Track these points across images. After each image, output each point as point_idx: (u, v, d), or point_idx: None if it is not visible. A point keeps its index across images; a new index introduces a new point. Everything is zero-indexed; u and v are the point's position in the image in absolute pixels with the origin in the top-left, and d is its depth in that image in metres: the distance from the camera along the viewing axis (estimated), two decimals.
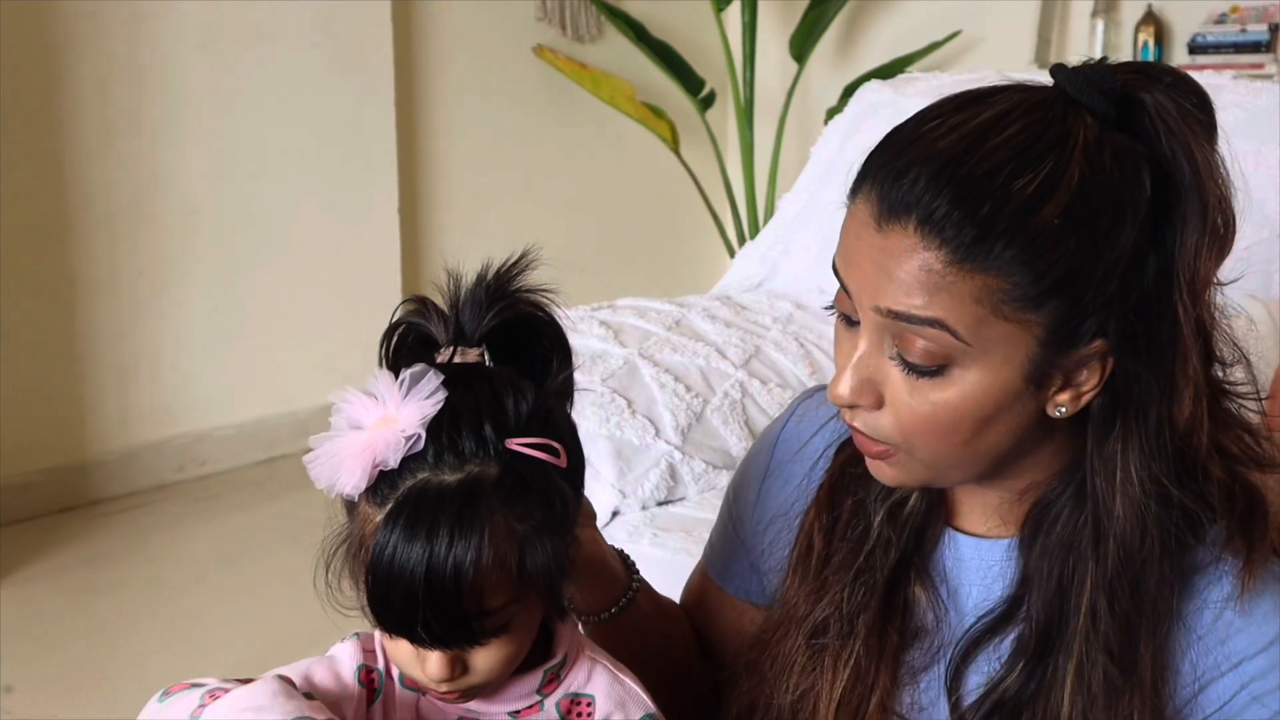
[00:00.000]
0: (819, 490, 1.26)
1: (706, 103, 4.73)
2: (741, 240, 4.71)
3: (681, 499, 2.05)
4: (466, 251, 4.79)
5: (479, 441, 1.00)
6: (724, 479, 2.09)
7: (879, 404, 1.07)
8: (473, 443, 1.00)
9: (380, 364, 1.07)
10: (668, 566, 1.86)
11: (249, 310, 4.09)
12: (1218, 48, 4.11)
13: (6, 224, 3.60)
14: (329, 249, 4.26)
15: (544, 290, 1.15)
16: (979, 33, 4.58)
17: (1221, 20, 4.16)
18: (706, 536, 1.85)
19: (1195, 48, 4.15)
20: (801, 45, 4.64)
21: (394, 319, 1.09)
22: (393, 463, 0.98)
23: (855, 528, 1.21)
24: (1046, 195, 1.00)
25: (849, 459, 1.23)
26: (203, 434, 4.02)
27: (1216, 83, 2.33)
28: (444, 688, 1.04)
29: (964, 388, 1.04)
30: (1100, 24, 4.39)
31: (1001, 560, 1.17)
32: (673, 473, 2.04)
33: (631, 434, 2.03)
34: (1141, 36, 4.29)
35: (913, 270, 1.01)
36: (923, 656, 1.19)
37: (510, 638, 1.03)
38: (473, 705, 1.09)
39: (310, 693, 1.06)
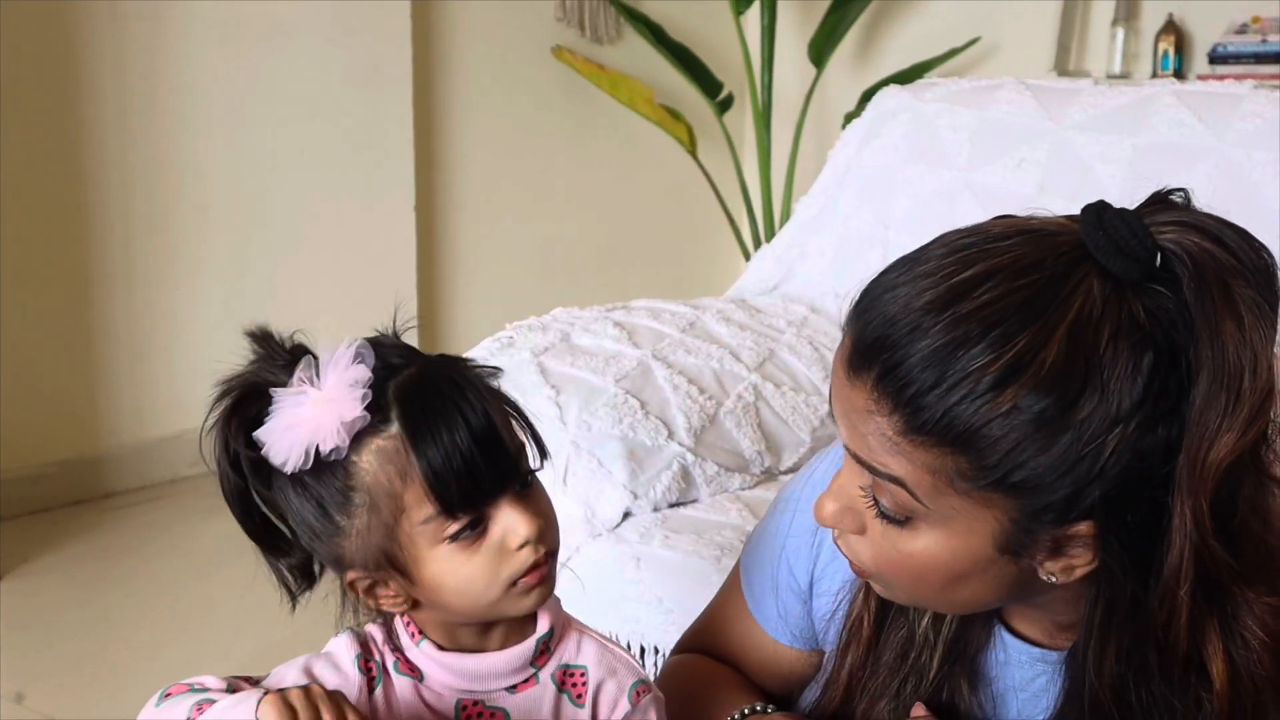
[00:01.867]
0: (862, 585, 1.21)
1: (724, 105, 4.72)
2: (757, 243, 4.71)
3: (694, 501, 2.05)
4: (482, 250, 4.81)
5: (404, 352, 1.09)
6: (736, 481, 2.09)
7: (860, 530, 1.05)
8: (398, 354, 1.08)
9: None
10: (679, 568, 1.86)
11: (263, 306, 4.08)
12: (1238, 58, 4.10)
13: (22, 217, 3.61)
14: (344, 246, 4.26)
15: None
16: (998, 39, 4.57)
17: (1243, 30, 4.15)
18: (718, 539, 1.85)
19: (1215, 58, 4.14)
20: (820, 49, 4.64)
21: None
22: (345, 438, 1.04)
23: (899, 628, 1.18)
24: (1014, 375, 0.91)
25: None
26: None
27: (1237, 93, 2.32)
28: (541, 549, 1.07)
29: (930, 545, 1.00)
30: (1120, 32, 4.38)
31: (1050, 671, 1.12)
32: (685, 474, 2.03)
33: (644, 435, 2.03)
34: (1162, 45, 4.28)
35: (872, 431, 0.98)
36: None
37: (540, 489, 1.10)
38: (471, 684, 1.10)
39: (315, 683, 1.07)
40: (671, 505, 2.03)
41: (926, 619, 1.16)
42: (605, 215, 5.00)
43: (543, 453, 1.10)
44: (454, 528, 1.05)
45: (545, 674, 1.12)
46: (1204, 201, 2.28)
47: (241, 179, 4.01)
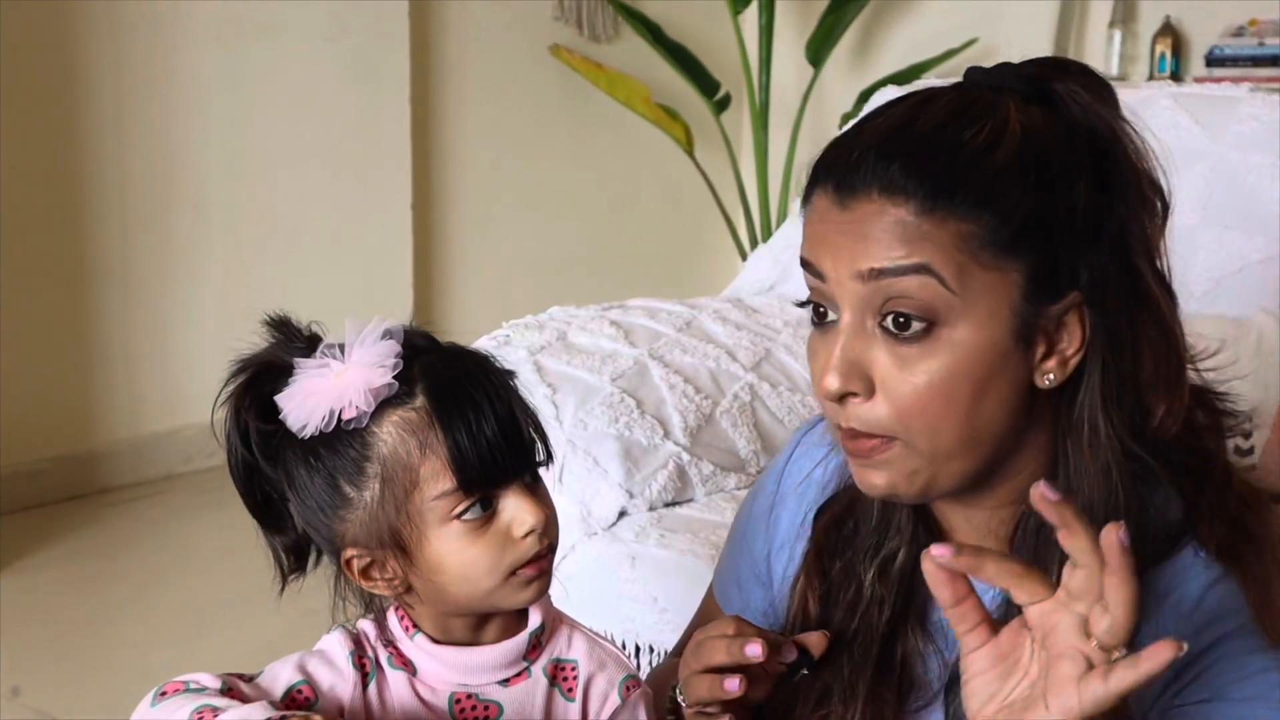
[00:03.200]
0: (805, 557, 1.23)
1: (722, 105, 4.72)
2: (754, 243, 4.71)
3: (689, 500, 2.05)
4: (479, 249, 4.82)
5: (427, 338, 1.13)
6: (732, 481, 2.09)
7: (870, 391, 1.04)
8: (422, 338, 1.12)
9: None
10: (674, 568, 1.86)
11: (259, 303, 4.03)
12: (1235, 60, 4.11)
13: (20, 214, 3.61)
14: (341, 244, 4.26)
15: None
16: (996, 41, 4.57)
17: (1239, 33, 4.15)
18: (714, 538, 1.85)
19: (1212, 60, 4.14)
20: (818, 49, 4.64)
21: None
22: (370, 403, 1.06)
23: (847, 590, 1.19)
24: (995, 143, 1.02)
25: (831, 522, 1.22)
26: (210, 426, 4.02)
27: (1233, 95, 2.32)
28: (545, 541, 1.09)
29: (955, 350, 1.03)
30: (1118, 34, 4.39)
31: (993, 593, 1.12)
32: (681, 474, 2.04)
33: (640, 434, 2.03)
34: (1159, 48, 4.29)
35: (888, 226, 1.02)
36: (922, 699, 1.16)
37: (474, 535, 1.07)
38: (464, 677, 1.11)
39: (308, 679, 1.08)
40: (667, 504, 2.03)
41: (872, 573, 1.17)
42: (602, 214, 5.00)
43: (548, 453, 1.11)
44: (465, 505, 1.06)
45: (537, 668, 1.12)
46: (1201, 203, 2.29)
47: (238, 177, 4.01)
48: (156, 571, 3.31)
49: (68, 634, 2.99)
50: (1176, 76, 4.23)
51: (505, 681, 1.12)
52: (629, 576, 1.88)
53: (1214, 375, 1.16)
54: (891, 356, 1.03)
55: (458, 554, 1.06)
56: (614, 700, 1.13)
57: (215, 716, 1.00)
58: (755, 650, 1.12)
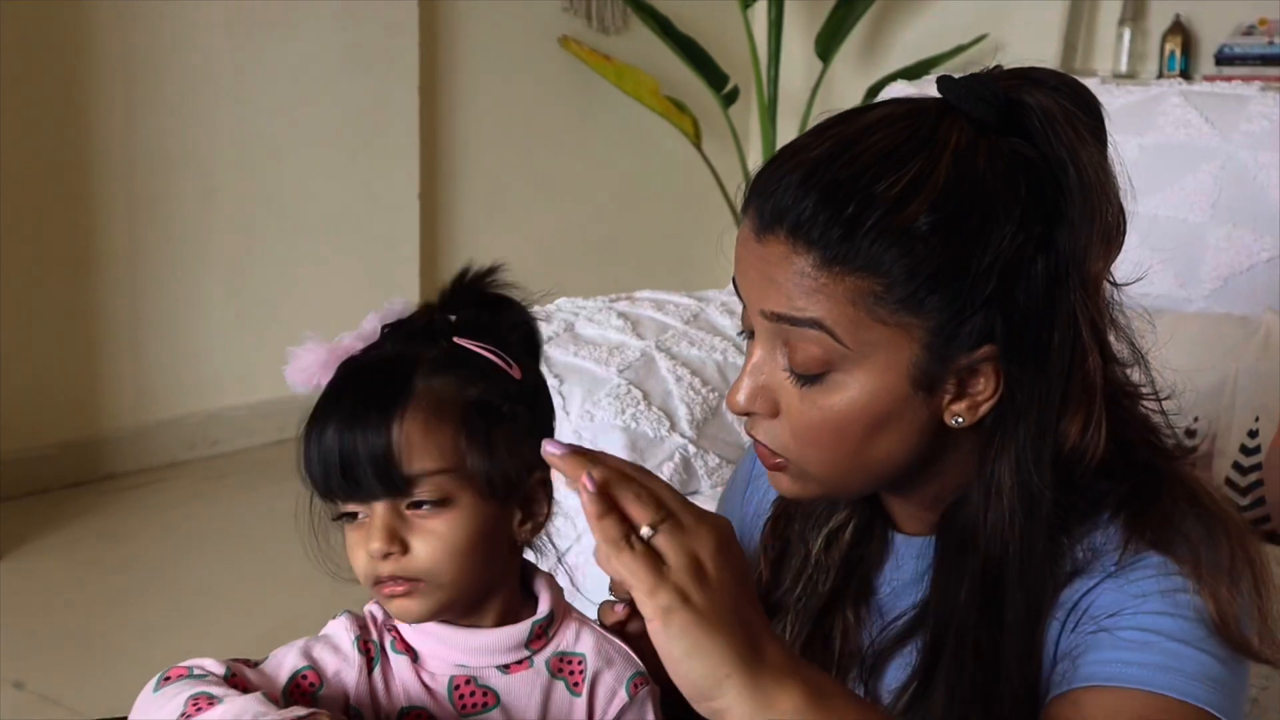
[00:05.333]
0: (765, 523, 1.27)
1: (730, 98, 4.72)
2: None
3: (695, 492, 2.05)
4: (486, 239, 4.82)
5: (426, 335, 1.08)
6: None
7: (774, 412, 1.08)
8: (421, 337, 1.08)
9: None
10: None
11: (265, 291, 4.09)
12: (1245, 59, 4.10)
13: (27, 201, 3.61)
14: (348, 233, 4.26)
15: (511, 284, 1.17)
16: (1005, 37, 4.57)
17: (1250, 32, 4.15)
18: None
19: (1222, 59, 4.14)
20: (827, 44, 4.64)
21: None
22: (339, 358, 1.08)
23: (796, 557, 1.22)
24: (910, 194, 1.01)
25: None
26: (215, 413, 4.03)
27: (1243, 94, 2.32)
28: (386, 569, 1.05)
29: (850, 393, 1.04)
30: (1127, 32, 4.38)
31: (916, 560, 1.17)
32: (686, 466, 2.03)
33: (646, 426, 2.03)
34: (1169, 46, 4.28)
35: (790, 275, 1.03)
36: (853, 674, 1.19)
37: (449, 523, 1.05)
38: (464, 657, 1.10)
39: (313, 665, 1.08)
40: None
41: (819, 543, 1.20)
42: (609, 206, 5.00)
43: (491, 489, 1.05)
44: (336, 510, 1.07)
45: (540, 659, 1.11)
46: (1210, 201, 2.28)
47: (246, 165, 4.01)
48: (160, 558, 3.31)
49: (71, 619, 2.99)
50: (1186, 75, 4.22)
51: (505, 668, 1.10)
52: None
53: (1173, 411, 1.17)
54: (794, 387, 1.06)
55: (349, 551, 1.08)
56: (621, 697, 1.11)
57: (210, 705, 1.00)
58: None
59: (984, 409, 1.06)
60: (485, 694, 1.10)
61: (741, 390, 1.08)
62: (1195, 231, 2.22)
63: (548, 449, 0.93)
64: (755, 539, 1.30)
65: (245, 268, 4.06)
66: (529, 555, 1.15)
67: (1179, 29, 4.29)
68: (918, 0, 4.86)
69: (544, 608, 1.12)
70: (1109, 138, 1.08)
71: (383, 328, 1.11)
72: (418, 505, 1.05)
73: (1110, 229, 1.05)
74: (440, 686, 1.10)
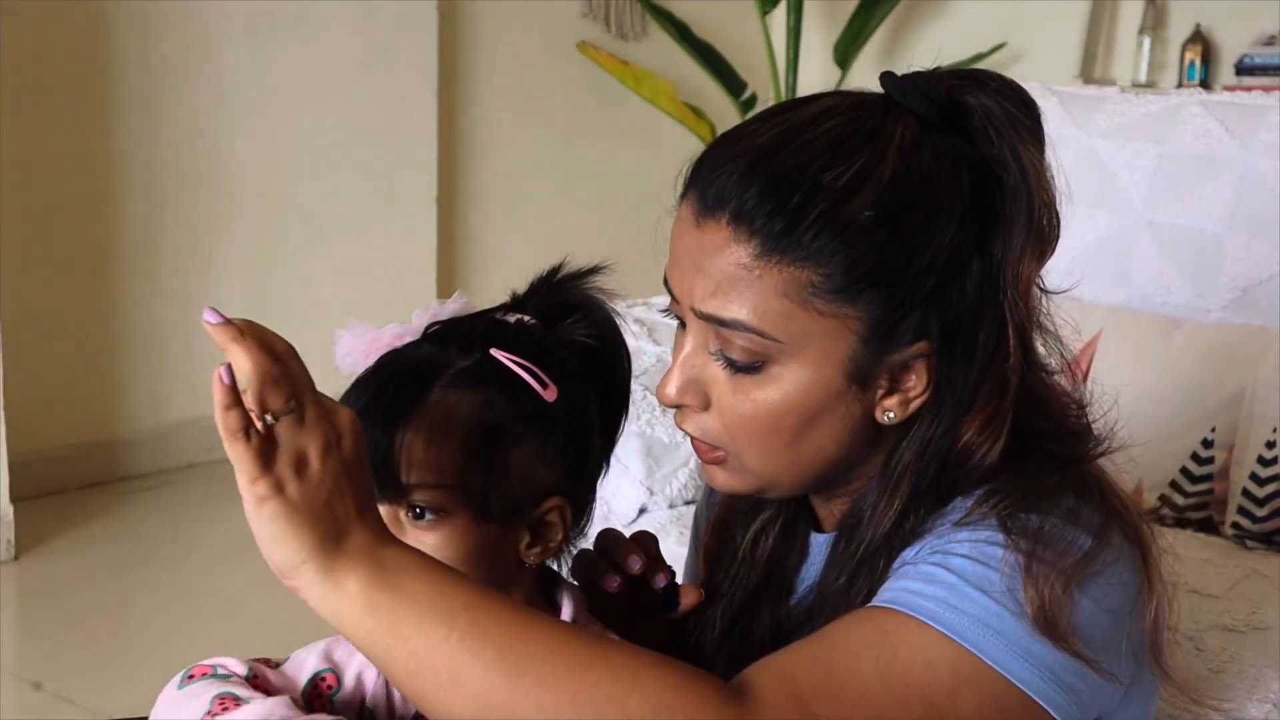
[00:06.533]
0: (708, 527, 1.28)
1: (748, 105, 4.72)
2: None
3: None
4: (503, 244, 4.81)
5: (465, 342, 1.07)
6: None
7: (706, 405, 1.08)
8: (459, 343, 1.07)
9: None
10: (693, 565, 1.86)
11: (284, 295, 4.10)
12: (1265, 69, 4.09)
13: (49, 202, 3.62)
14: (366, 238, 4.27)
15: (604, 290, 1.17)
16: (1024, 46, 4.57)
17: (1270, 42, 4.14)
18: None
19: (1242, 69, 4.13)
20: (846, 50, 4.63)
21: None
22: (379, 349, 1.08)
23: (727, 554, 1.23)
24: (857, 187, 1.00)
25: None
26: None
27: (1263, 104, 2.31)
28: None
29: (784, 385, 1.04)
30: (1147, 41, 4.38)
31: (822, 554, 1.16)
32: (702, 472, 2.03)
33: (662, 432, 2.03)
34: (1189, 55, 4.27)
35: (722, 267, 1.03)
36: None
37: (442, 537, 1.04)
38: None
39: (332, 668, 1.08)
40: (687, 502, 2.03)
41: (746, 540, 1.21)
42: (626, 211, 4.99)
43: (487, 511, 1.04)
44: None
45: None
46: (1228, 211, 2.27)
47: (265, 169, 4.02)
48: (176, 559, 3.32)
49: (87, 620, 3.00)
50: (1206, 84, 4.22)
51: None
52: None
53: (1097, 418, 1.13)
54: (727, 379, 1.06)
55: None
56: None
57: (236, 705, 1.00)
58: (635, 563, 1.18)
59: (915, 405, 1.06)
60: None
61: (672, 382, 1.08)
62: (1214, 241, 2.21)
63: (206, 317, 0.92)
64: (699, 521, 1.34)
65: (263, 270, 4.07)
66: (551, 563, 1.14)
67: (1199, 39, 4.28)
68: (937, 7, 4.85)
69: (565, 615, 1.10)
70: (1047, 142, 1.08)
71: (427, 326, 1.10)
72: (417, 514, 1.04)
73: (1045, 232, 1.05)
74: None
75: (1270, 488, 1.92)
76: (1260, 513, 1.93)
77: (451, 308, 1.11)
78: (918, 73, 1.07)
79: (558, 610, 1.12)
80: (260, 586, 3.07)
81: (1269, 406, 1.95)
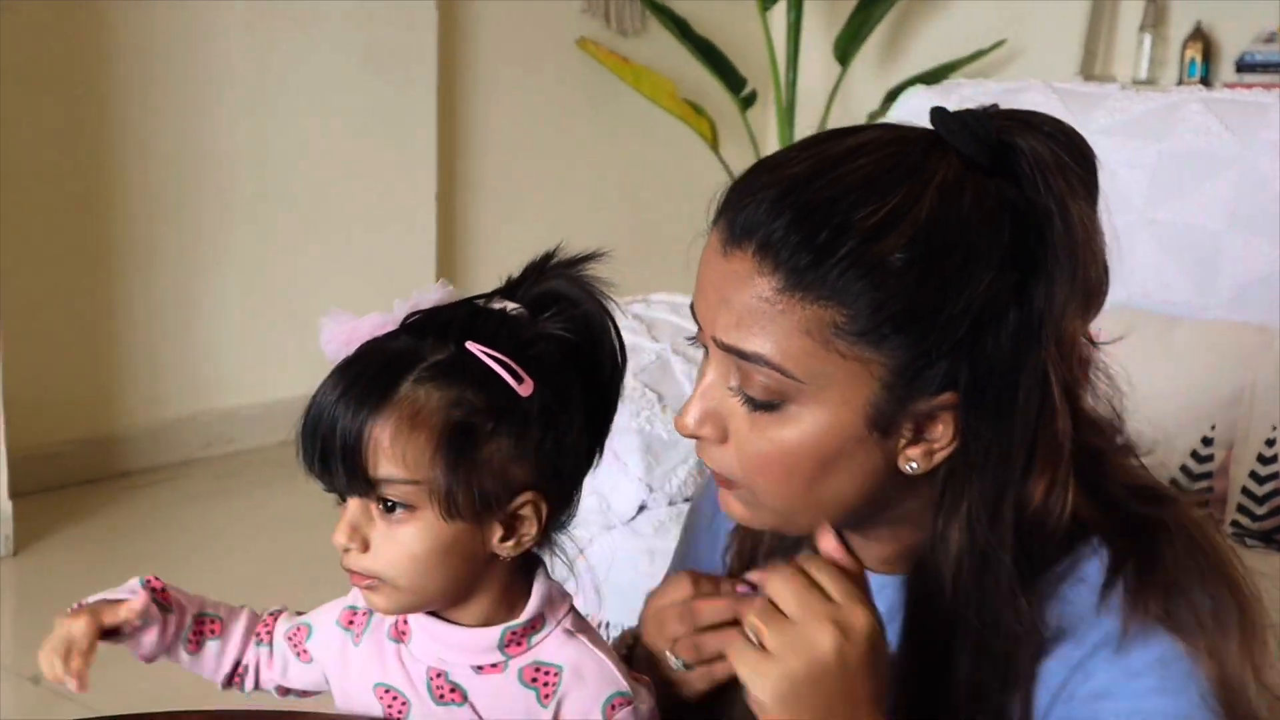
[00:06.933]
0: (727, 555, 1.25)
1: (748, 102, 4.72)
2: None
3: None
4: (503, 239, 4.81)
5: (442, 333, 1.06)
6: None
7: (723, 438, 1.05)
8: (436, 334, 1.06)
9: None
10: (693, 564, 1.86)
11: (282, 291, 4.09)
12: (1266, 67, 4.09)
13: (46, 198, 3.62)
14: (365, 233, 4.27)
15: (601, 280, 1.17)
16: (1025, 42, 4.56)
17: (1271, 39, 4.13)
18: None
19: (1243, 66, 4.13)
20: (846, 47, 4.63)
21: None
22: (360, 337, 1.08)
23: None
24: (889, 227, 0.97)
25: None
26: (231, 412, 4.03)
27: (1264, 102, 2.31)
28: (347, 562, 1.07)
29: (802, 426, 1.01)
30: (1148, 38, 4.37)
31: (888, 602, 1.10)
32: (701, 469, 2.03)
33: (661, 429, 2.03)
34: (1189, 53, 4.27)
35: (746, 300, 1.00)
36: None
37: (411, 531, 1.05)
38: (442, 651, 1.11)
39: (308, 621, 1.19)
40: (686, 499, 2.03)
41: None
42: (626, 208, 5.00)
43: (455, 508, 1.04)
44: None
45: (515, 664, 1.10)
46: (1228, 210, 2.27)
47: (264, 165, 4.02)
48: (174, 556, 3.32)
49: None
50: (1206, 82, 4.21)
51: (479, 669, 1.10)
52: (647, 571, 1.88)
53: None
54: (745, 415, 1.03)
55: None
56: (595, 718, 1.09)
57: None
58: (745, 588, 1.14)
59: (939, 457, 1.02)
60: (453, 690, 1.11)
61: (691, 413, 1.05)
62: (1213, 239, 2.21)
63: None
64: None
65: (262, 266, 4.06)
66: (545, 554, 1.14)
67: (1200, 36, 4.28)
68: (937, 4, 4.85)
69: (525, 615, 1.10)
70: (1100, 194, 1.04)
71: (406, 315, 1.09)
72: (387, 507, 1.05)
73: (1091, 287, 1.01)
74: (419, 673, 1.12)
75: (1270, 486, 1.92)
76: (1260, 511, 1.93)
77: (433, 296, 1.10)
78: (968, 110, 1.03)
79: (520, 609, 1.11)
80: (257, 583, 3.07)
81: (1269, 404, 1.94)
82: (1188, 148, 2.27)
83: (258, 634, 1.25)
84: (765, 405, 1.01)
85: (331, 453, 1.04)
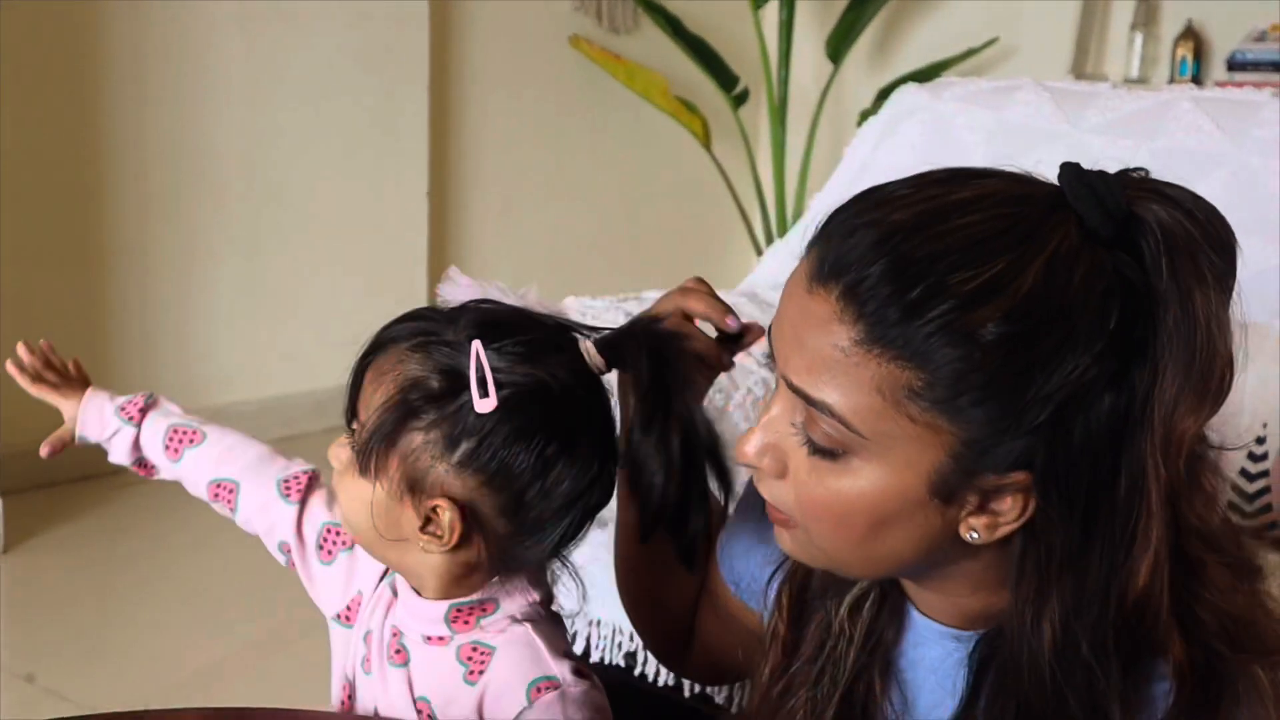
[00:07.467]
0: (788, 575, 1.20)
1: (740, 99, 4.72)
2: (769, 239, 4.71)
3: None
4: (495, 237, 4.81)
5: (471, 323, 1.10)
6: (745, 474, 2.08)
7: (782, 473, 1.02)
8: (469, 321, 1.11)
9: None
10: None
11: (275, 288, 4.09)
12: (1257, 65, 4.09)
13: (38, 195, 3.61)
14: (357, 231, 4.26)
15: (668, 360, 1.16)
16: (1017, 41, 4.57)
17: (1262, 38, 4.13)
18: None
19: (1234, 64, 4.13)
20: (838, 45, 4.63)
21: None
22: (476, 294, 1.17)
23: (817, 621, 1.16)
24: (988, 296, 0.91)
25: None
26: (224, 409, 4.03)
27: (1255, 100, 2.31)
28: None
29: (860, 481, 0.97)
30: (1139, 37, 4.38)
31: (961, 651, 1.08)
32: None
33: None
34: (1180, 51, 4.27)
35: (821, 345, 0.95)
36: None
37: (344, 467, 1.14)
38: (404, 615, 1.18)
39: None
40: None
41: (843, 609, 1.13)
42: (618, 205, 5.00)
43: (364, 465, 1.11)
44: None
45: (458, 640, 1.15)
46: (1220, 207, 2.27)
47: (257, 162, 4.02)
48: (167, 554, 3.31)
49: (76, 614, 2.99)
50: (1198, 80, 4.21)
51: (428, 639, 1.16)
52: None
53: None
54: (805, 457, 1.00)
55: None
56: (519, 700, 1.12)
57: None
58: (733, 323, 1.25)
59: (1003, 531, 0.97)
60: (399, 651, 1.18)
61: (752, 442, 1.02)
62: None
63: None
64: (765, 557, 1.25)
65: (254, 264, 4.06)
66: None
67: (1191, 34, 4.28)
68: (929, 2, 4.85)
69: (473, 596, 1.15)
70: (1237, 295, 0.97)
71: (482, 300, 1.15)
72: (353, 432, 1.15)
73: (1207, 384, 0.94)
74: (388, 627, 1.20)
75: (1260, 483, 1.92)
76: (1250, 509, 1.93)
77: (528, 299, 1.16)
78: (1101, 173, 0.96)
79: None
80: (250, 580, 3.07)
81: (1260, 402, 1.95)
82: (1179, 146, 2.28)
83: (286, 490, 1.34)
84: (827, 453, 0.97)
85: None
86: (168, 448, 1.36)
